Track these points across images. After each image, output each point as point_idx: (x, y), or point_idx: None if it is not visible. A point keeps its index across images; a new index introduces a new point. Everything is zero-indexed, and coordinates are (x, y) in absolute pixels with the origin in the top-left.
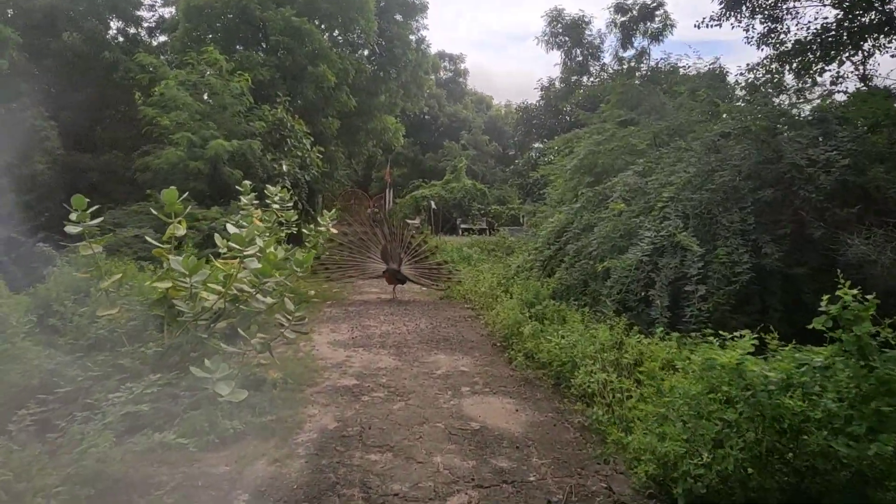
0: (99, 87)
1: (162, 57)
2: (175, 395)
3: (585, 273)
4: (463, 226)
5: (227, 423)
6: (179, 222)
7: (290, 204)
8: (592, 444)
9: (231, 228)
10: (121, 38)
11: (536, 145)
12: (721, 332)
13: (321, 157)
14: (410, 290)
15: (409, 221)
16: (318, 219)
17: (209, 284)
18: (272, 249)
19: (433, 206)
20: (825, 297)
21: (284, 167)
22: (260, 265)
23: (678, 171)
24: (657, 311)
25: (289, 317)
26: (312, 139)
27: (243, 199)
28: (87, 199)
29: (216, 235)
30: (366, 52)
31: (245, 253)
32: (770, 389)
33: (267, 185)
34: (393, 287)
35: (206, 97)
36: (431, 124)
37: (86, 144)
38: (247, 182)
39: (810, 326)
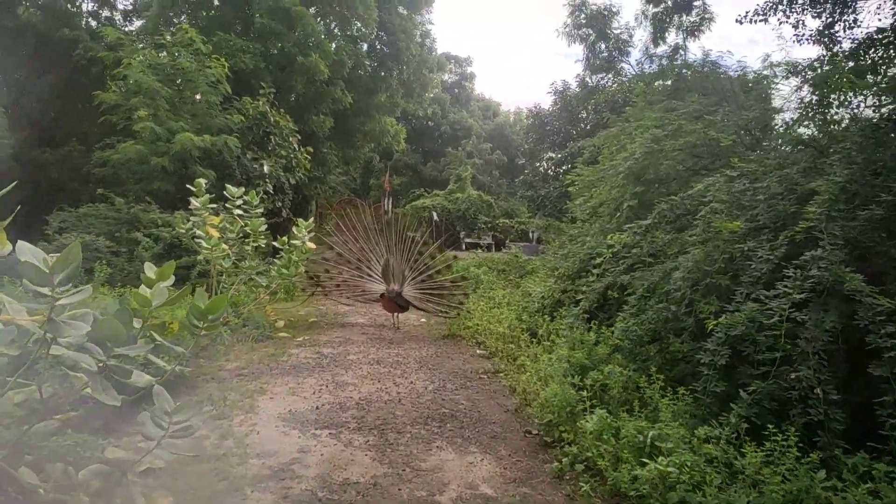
0: (63, 70)
1: (137, 44)
2: None
3: (663, 321)
4: (467, 240)
5: None
6: None
7: (259, 210)
8: None
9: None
10: (92, 22)
11: (549, 155)
12: None
13: (310, 158)
14: (409, 315)
15: (409, 234)
16: (293, 229)
17: None
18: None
19: (436, 217)
20: None
21: (266, 168)
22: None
23: (805, 175)
24: (822, 416)
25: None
26: (300, 138)
27: (195, 202)
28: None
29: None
30: (364, 47)
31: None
32: None
33: (227, 186)
34: (394, 316)
35: (177, 83)
36: (434, 131)
37: (46, 136)
38: (200, 180)
39: None
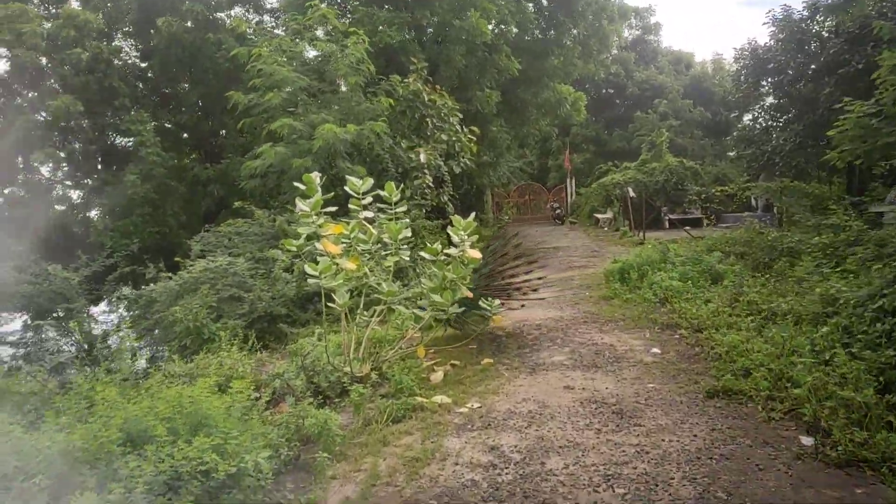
0: (213, 80)
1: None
2: None
3: None
4: (670, 216)
5: None
6: None
7: (401, 209)
8: None
9: None
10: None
11: (771, 101)
12: None
13: (476, 140)
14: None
15: (599, 216)
16: (451, 232)
17: None
18: None
19: (632, 193)
20: None
21: (423, 157)
22: None
23: None
24: None
25: None
26: (463, 118)
27: (302, 205)
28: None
29: None
30: (530, 6)
31: None
32: None
33: (350, 179)
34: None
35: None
36: (616, 97)
37: (207, 151)
38: (312, 175)
39: None
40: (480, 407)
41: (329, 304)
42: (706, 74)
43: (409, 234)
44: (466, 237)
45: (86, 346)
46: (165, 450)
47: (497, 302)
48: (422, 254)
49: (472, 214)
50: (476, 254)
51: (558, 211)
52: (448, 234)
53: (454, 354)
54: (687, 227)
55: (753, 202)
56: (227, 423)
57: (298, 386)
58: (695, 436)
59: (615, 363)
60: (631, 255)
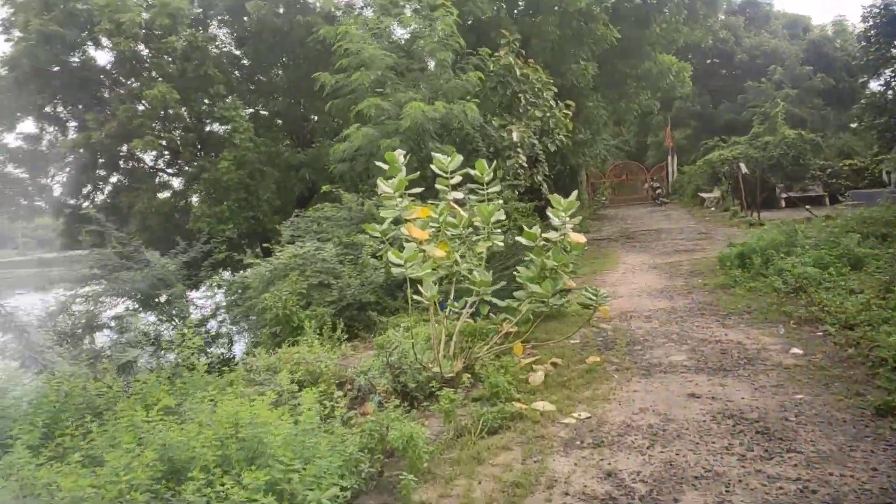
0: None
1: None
2: None
3: None
4: (786, 195)
5: None
6: None
7: (495, 189)
8: None
9: None
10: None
11: None
12: None
13: (572, 116)
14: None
15: (705, 195)
16: (551, 213)
17: None
18: None
19: (744, 169)
20: None
21: (515, 135)
22: None
23: None
24: None
25: None
26: (557, 92)
27: (384, 186)
28: None
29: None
30: None
31: None
32: None
33: (436, 158)
34: None
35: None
36: (723, 66)
37: (299, 136)
38: (395, 153)
39: None
40: (590, 418)
41: (416, 297)
42: (826, 38)
43: (503, 217)
44: (568, 219)
45: (184, 332)
46: (210, 489)
47: (603, 291)
48: (518, 239)
49: (574, 193)
50: (580, 237)
51: (659, 191)
52: (544, 217)
53: (555, 351)
54: (807, 207)
55: (885, 177)
56: (289, 449)
57: (383, 384)
58: (874, 470)
59: (747, 366)
60: (750, 238)
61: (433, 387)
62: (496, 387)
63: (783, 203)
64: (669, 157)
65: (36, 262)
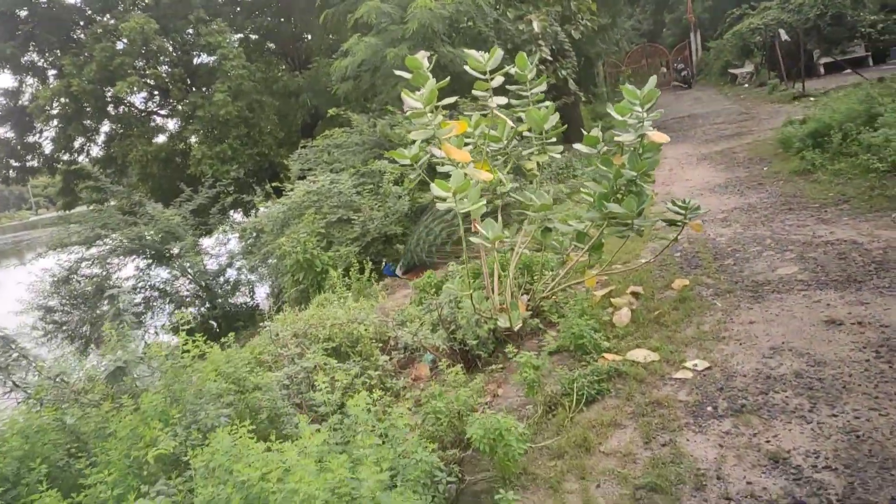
0: None
1: None
2: None
3: None
4: (825, 60)
5: None
6: None
7: (540, 89)
8: None
9: None
10: None
11: None
12: None
13: None
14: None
15: (735, 71)
16: (614, 111)
17: None
18: None
19: (784, 36)
20: None
21: (536, 26)
22: None
23: None
24: None
25: None
26: None
27: (411, 100)
28: None
29: None
30: None
31: None
32: None
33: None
34: None
35: None
36: None
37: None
38: (417, 56)
39: None
40: (710, 368)
41: (471, 238)
42: None
43: (559, 122)
44: (644, 113)
45: (203, 284)
46: None
47: (695, 202)
48: (577, 146)
49: (652, 79)
50: (662, 137)
51: (684, 73)
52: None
53: (628, 276)
54: (855, 70)
55: None
56: None
57: (434, 342)
58: None
59: (881, 272)
60: (814, 112)
61: (493, 342)
62: (579, 337)
63: (822, 70)
64: (692, 35)
65: (55, 220)
